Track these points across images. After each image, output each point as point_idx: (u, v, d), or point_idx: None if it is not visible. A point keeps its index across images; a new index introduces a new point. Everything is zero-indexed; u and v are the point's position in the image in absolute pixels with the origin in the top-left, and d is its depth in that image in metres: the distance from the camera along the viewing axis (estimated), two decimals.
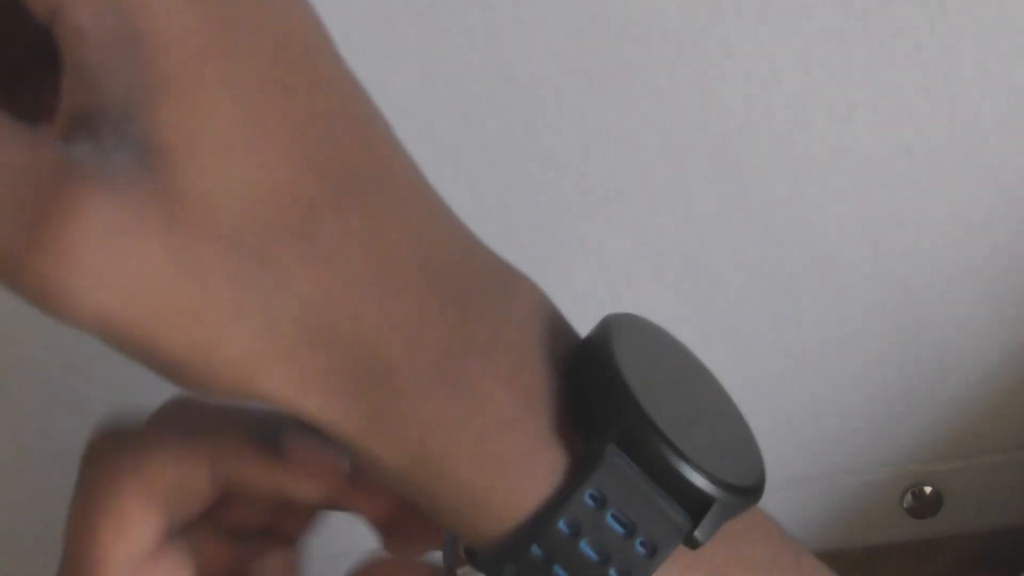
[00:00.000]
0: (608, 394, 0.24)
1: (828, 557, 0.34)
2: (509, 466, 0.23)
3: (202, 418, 0.26)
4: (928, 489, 0.42)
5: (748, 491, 0.25)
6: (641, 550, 0.24)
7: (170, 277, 0.19)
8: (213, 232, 0.20)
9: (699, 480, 0.24)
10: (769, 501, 0.40)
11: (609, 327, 0.26)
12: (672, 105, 0.35)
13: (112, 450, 0.25)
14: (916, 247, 0.38)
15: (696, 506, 0.24)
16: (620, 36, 0.34)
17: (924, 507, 0.42)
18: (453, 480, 0.23)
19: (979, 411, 0.40)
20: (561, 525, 0.23)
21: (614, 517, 0.24)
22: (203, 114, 0.19)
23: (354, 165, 0.22)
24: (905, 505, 0.42)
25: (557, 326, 0.26)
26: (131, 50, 0.19)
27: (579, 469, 0.23)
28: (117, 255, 0.18)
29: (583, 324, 0.32)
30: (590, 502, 0.23)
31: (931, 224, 0.37)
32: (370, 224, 0.22)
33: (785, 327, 0.38)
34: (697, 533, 0.24)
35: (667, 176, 0.36)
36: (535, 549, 0.23)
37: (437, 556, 0.26)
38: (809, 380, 0.39)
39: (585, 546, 0.23)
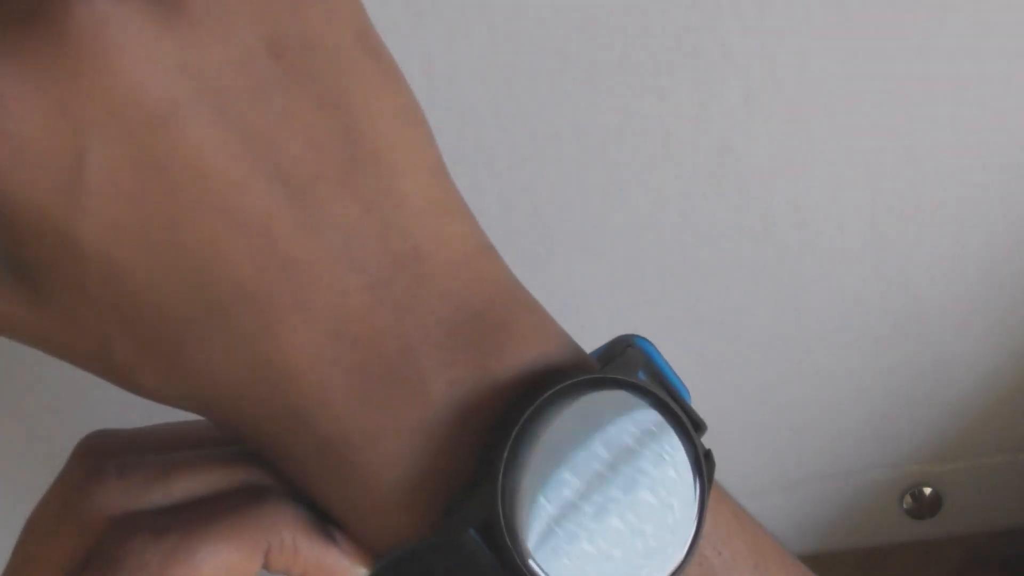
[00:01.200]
0: (484, 482, 0.23)
1: (827, 558, 0.34)
2: (376, 536, 0.24)
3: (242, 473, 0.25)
4: (928, 490, 0.41)
5: None
6: None
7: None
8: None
9: None
10: (768, 502, 0.40)
11: (547, 398, 0.23)
12: (672, 105, 0.35)
13: (100, 468, 0.25)
14: (916, 248, 0.38)
15: None
16: (620, 36, 0.34)
17: (923, 508, 0.42)
18: (340, 522, 0.24)
19: (979, 412, 0.40)
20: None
21: None
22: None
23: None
24: (904, 506, 0.42)
25: (528, 374, 0.24)
26: None
27: (421, 541, 0.23)
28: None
29: (582, 324, 0.32)
30: (427, 568, 0.23)
31: (931, 225, 0.37)
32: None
33: (784, 328, 0.38)
34: None
35: (667, 176, 0.36)
36: None
37: None
38: (808, 381, 0.39)
39: None
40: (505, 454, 0.23)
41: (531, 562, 0.22)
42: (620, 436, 0.24)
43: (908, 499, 0.42)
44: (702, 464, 0.24)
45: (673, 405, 0.24)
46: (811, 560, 0.33)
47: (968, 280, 0.38)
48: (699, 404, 0.40)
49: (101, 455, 0.24)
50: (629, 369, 0.24)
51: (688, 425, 0.24)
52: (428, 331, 0.23)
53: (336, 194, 0.23)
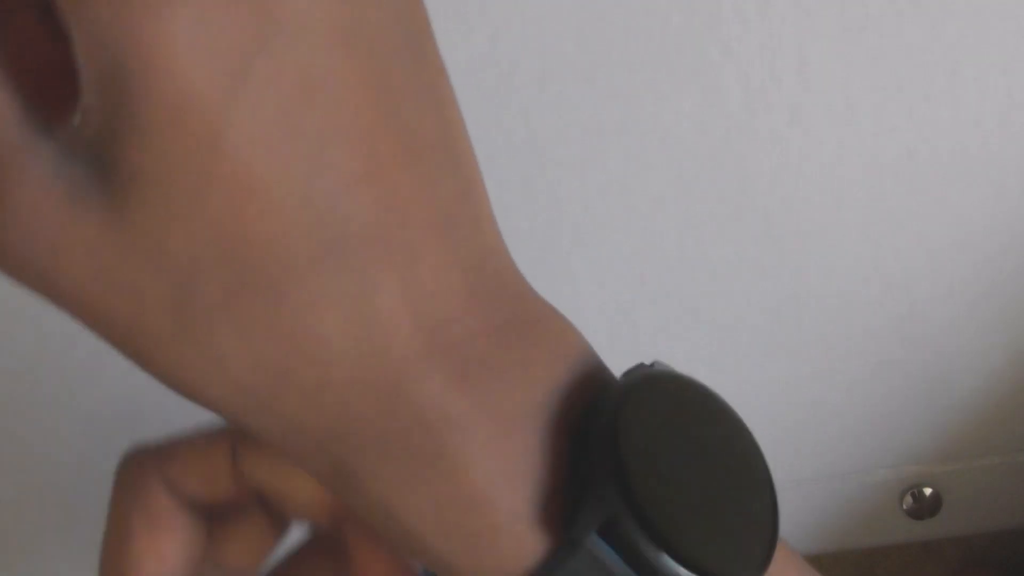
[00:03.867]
0: (599, 477, 0.22)
1: (828, 558, 0.34)
2: (477, 542, 0.22)
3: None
4: (928, 491, 0.42)
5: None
6: None
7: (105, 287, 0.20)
8: (159, 268, 0.20)
9: (681, 574, 0.22)
10: None
11: (627, 390, 0.23)
12: (672, 105, 0.35)
13: (138, 458, 0.26)
14: (917, 250, 0.38)
15: None
16: (621, 36, 0.34)
17: (923, 509, 0.42)
18: (419, 543, 0.22)
19: (979, 414, 0.40)
20: None
21: None
22: (172, 168, 0.20)
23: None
24: (905, 507, 0.42)
25: (581, 380, 0.24)
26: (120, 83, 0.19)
27: (554, 557, 0.22)
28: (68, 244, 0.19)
29: (582, 324, 0.32)
30: None
31: (932, 227, 0.37)
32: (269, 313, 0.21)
33: (784, 329, 0.38)
34: None
35: (668, 177, 0.36)
36: None
37: None
38: (809, 383, 0.39)
39: None
40: (612, 443, 0.22)
41: (662, 555, 0.22)
42: (695, 423, 0.24)
43: (908, 499, 0.42)
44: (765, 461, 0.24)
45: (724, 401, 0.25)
46: (812, 560, 0.33)
47: (968, 282, 0.38)
48: None
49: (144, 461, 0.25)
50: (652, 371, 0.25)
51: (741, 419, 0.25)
52: (507, 326, 0.23)
53: (445, 171, 0.22)
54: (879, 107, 0.36)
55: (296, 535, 0.29)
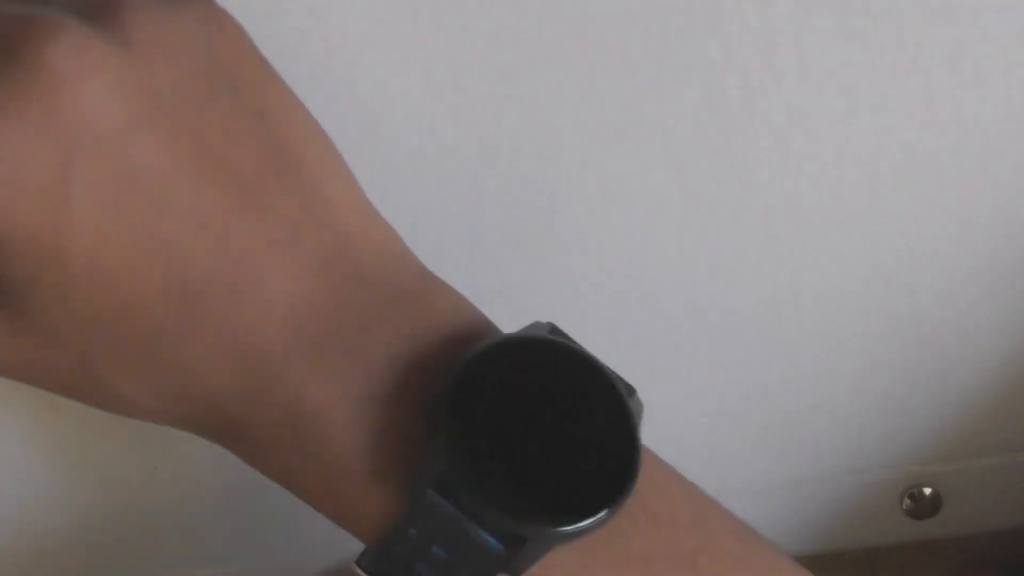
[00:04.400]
0: (435, 436, 0.25)
1: (827, 558, 0.34)
2: (348, 502, 0.26)
3: None
4: (928, 490, 0.42)
5: (582, 516, 0.26)
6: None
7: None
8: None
9: (507, 523, 0.25)
10: (768, 502, 0.40)
11: (476, 355, 0.26)
12: (673, 106, 0.35)
13: None
14: (917, 249, 0.38)
15: (513, 543, 0.26)
16: (620, 35, 0.34)
17: (923, 508, 0.42)
18: (310, 503, 0.27)
19: (979, 413, 0.40)
20: (397, 550, 0.26)
21: (440, 548, 0.26)
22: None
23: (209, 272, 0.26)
24: (904, 506, 0.42)
25: (452, 347, 0.27)
26: None
27: (402, 511, 0.26)
28: None
29: (581, 324, 0.32)
30: (414, 540, 0.26)
31: (932, 226, 0.37)
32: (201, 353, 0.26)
33: (784, 328, 0.38)
34: (512, 566, 0.26)
35: (667, 176, 0.36)
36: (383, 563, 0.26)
37: None
38: (809, 383, 0.39)
39: (422, 566, 0.26)
40: (446, 409, 0.25)
41: (488, 508, 0.25)
42: (547, 379, 0.27)
43: (908, 499, 0.42)
44: (626, 398, 0.27)
45: (583, 349, 0.27)
46: (812, 560, 0.33)
47: (968, 280, 0.38)
48: (700, 405, 0.40)
49: None
50: (540, 330, 0.28)
51: (600, 362, 0.27)
52: (366, 310, 0.26)
53: (277, 192, 0.26)
54: (879, 106, 0.36)
55: None
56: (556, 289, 0.37)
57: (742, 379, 0.39)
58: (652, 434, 0.33)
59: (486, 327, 0.28)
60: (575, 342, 0.28)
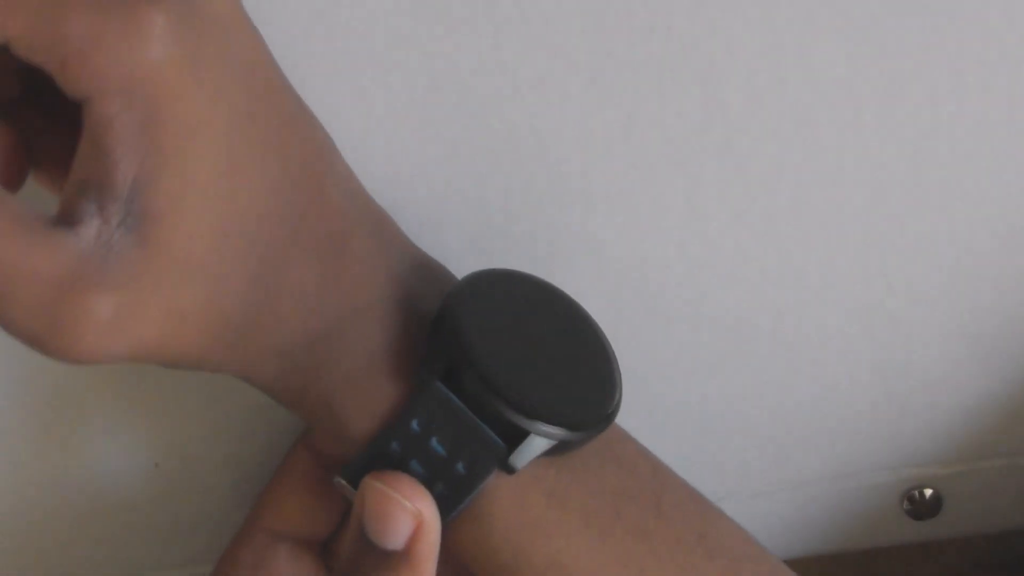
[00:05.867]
0: (439, 335, 0.29)
1: (828, 559, 0.34)
2: (362, 397, 0.29)
3: None
4: (928, 492, 0.41)
5: (575, 425, 0.29)
6: (462, 470, 0.28)
7: (159, 326, 0.25)
8: (192, 281, 0.25)
9: (511, 415, 0.28)
10: (770, 503, 0.40)
11: (471, 282, 0.30)
12: (675, 107, 0.35)
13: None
14: (919, 250, 0.38)
15: (513, 437, 0.28)
16: (624, 37, 0.34)
17: (924, 510, 0.42)
18: (323, 404, 0.29)
19: (981, 416, 0.40)
20: (394, 447, 0.28)
21: (439, 441, 0.28)
22: (192, 183, 0.24)
23: (306, 208, 0.28)
24: (905, 507, 0.42)
25: (435, 277, 0.32)
26: (148, 137, 0.24)
27: (409, 396, 0.29)
28: (116, 333, 0.24)
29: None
30: (416, 427, 0.28)
31: (935, 229, 0.37)
32: (322, 268, 0.28)
33: (786, 330, 0.38)
34: (511, 459, 0.28)
35: (670, 177, 0.36)
36: (377, 462, 0.29)
37: None
38: (809, 383, 0.39)
39: (415, 464, 0.28)
40: (452, 310, 0.29)
41: (497, 399, 0.28)
42: (539, 306, 0.31)
43: (908, 501, 0.42)
44: (603, 334, 0.31)
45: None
46: (812, 561, 0.34)
47: (970, 282, 0.38)
48: (701, 406, 0.40)
49: None
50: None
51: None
52: (355, 234, 0.30)
53: (303, 202, 0.28)
54: (883, 109, 0.36)
55: None
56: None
57: (743, 380, 0.39)
58: (653, 435, 0.33)
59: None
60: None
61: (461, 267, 0.34)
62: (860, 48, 0.35)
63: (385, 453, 0.29)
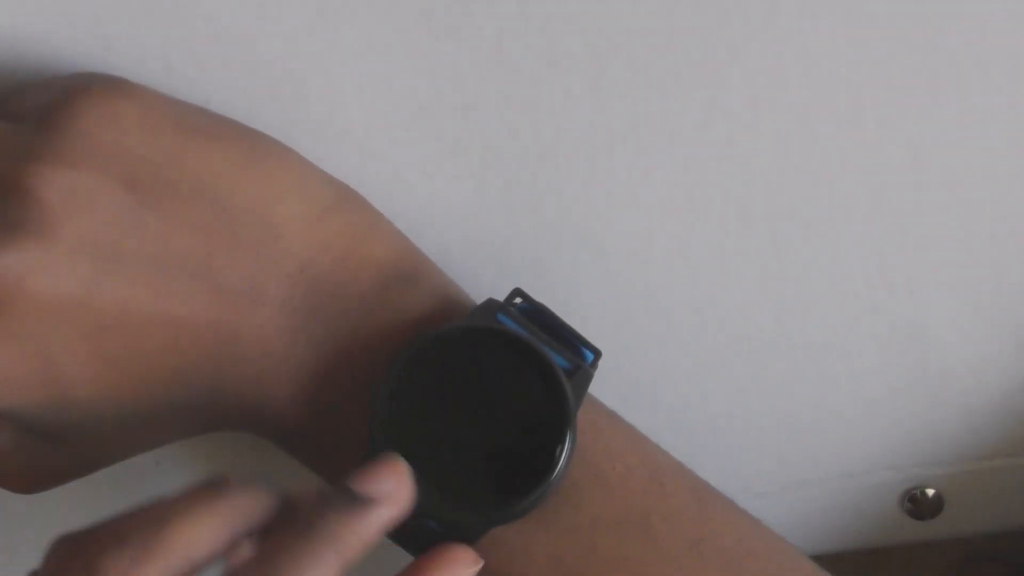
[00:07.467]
0: (372, 421, 0.28)
1: (828, 558, 0.34)
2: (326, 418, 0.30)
3: None
4: (929, 492, 0.41)
5: (504, 508, 0.28)
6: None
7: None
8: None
9: (442, 510, 0.27)
10: (770, 503, 0.40)
11: (417, 347, 0.29)
12: (677, 107, 0.35)
13: None
14: (921, 251, 0.38)
15: (449, 527, 0.28)
16: (626, 37, 0.34)
17: (925, 509, 0.42)
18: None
19: (982, 416, 0.40)
20: None
21: None
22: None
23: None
24: (906, 507, 0.42)
25: (417, 323, 0.30)
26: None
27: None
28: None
29: (585, 324, 0.32)
30: None
31: (937, 229, 0.37)
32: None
33: (787, 330, 0.38)
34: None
35: (673, 178, 0.36)
36: None
37: None
38: (811, 383, 0.39)
39: None
40: (385, 397, 0.28)
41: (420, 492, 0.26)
42: (485, 364, 0.29)
43: (909, 500, 0.42)
44: (563, 379, 0.29)
45: (520, 333, 0.29)
46: (812, 560, 0.33)
47: (971, 283, 0.38)
48: (700, 406, 0.40)
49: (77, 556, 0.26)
50: (490, 310, 0.30)
51: (537, 344, 0.29)
52: (344, 322, 0.29)
53: (228, 255, 0.28)
54: (885, 109, 0.36)
55: None
56: (559, 289, 0.37)
57: (744, 380, 0.39)
58: (653, 435, 0.33)
59: (453, 310, 0.30)
60: (540, 306, 0.30)
61: (461, 267, 0.34)
62: (862, 48, 0.35)
63: None
